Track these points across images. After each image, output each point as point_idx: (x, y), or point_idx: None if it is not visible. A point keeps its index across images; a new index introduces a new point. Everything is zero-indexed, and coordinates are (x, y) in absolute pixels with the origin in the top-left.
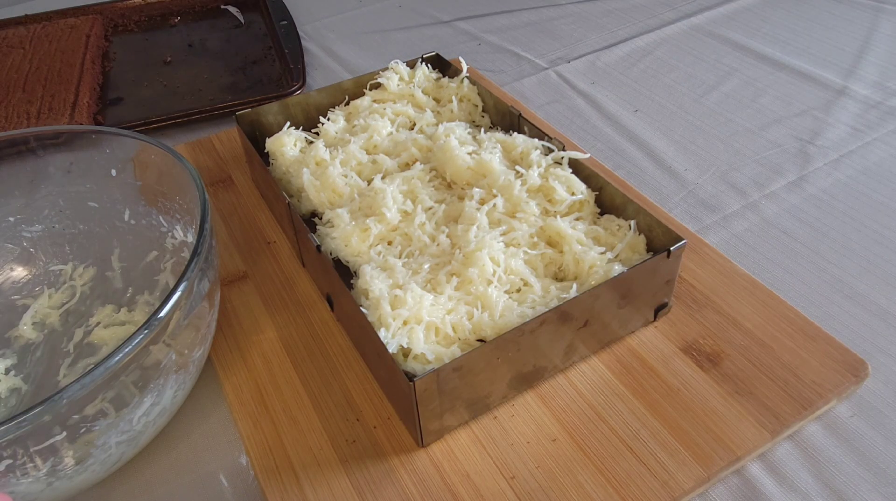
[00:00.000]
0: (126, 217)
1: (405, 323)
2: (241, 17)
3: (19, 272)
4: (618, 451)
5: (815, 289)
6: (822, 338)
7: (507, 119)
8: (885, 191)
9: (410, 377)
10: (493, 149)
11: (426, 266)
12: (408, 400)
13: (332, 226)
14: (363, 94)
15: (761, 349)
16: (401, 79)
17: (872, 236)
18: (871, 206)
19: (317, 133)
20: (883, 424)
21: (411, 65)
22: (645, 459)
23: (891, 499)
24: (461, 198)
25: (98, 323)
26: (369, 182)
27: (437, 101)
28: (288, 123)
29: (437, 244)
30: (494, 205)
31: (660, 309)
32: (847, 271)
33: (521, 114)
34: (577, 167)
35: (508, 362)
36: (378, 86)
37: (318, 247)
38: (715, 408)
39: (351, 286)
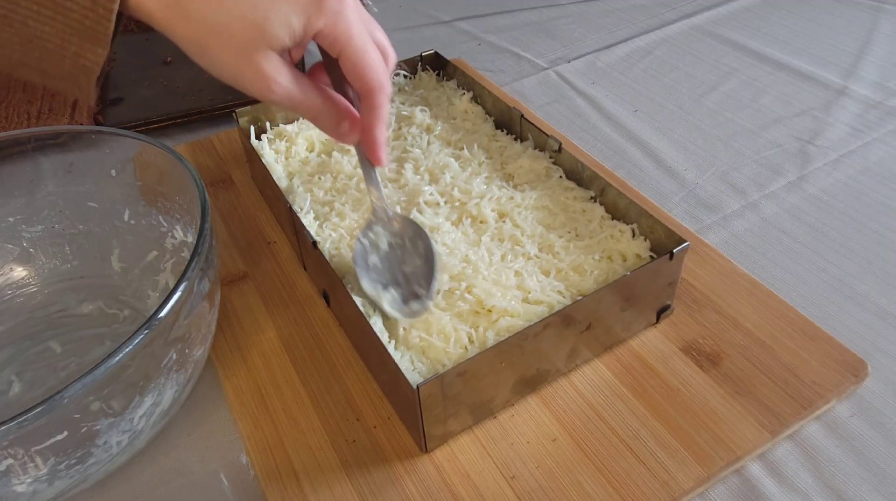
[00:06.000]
0: (126, 217)
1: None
2: None
3: (19, 272)
4: (618, 451)
5: (815, 289)
6: (822, 338)
7: (506, 118)
8: (885, 191)
9: (414, 382)
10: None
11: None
12: (411, 405)
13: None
14: None
15: (761, 349)
16: (404, 77)
17: (872, 236)
18: (871, 206)
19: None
20: (883, 424)
21: (410, 63)
22: (645, 459)
23: (891, 499)
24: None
25: (98, 323)
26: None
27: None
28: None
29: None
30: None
31: (662, 311)
32: (847, 271)
33: (522, 115)
34: (579, 169)
35: (512, 366)
36: None
37: (314, 243)
38: (715, 408)
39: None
